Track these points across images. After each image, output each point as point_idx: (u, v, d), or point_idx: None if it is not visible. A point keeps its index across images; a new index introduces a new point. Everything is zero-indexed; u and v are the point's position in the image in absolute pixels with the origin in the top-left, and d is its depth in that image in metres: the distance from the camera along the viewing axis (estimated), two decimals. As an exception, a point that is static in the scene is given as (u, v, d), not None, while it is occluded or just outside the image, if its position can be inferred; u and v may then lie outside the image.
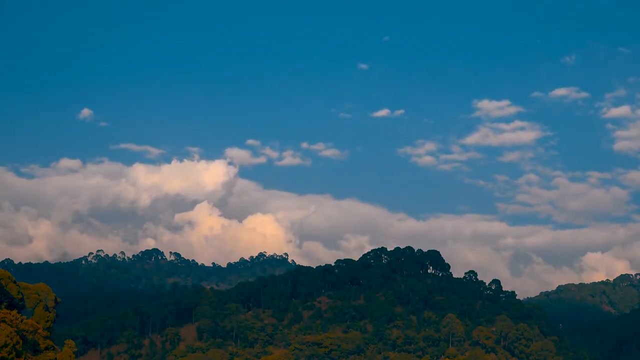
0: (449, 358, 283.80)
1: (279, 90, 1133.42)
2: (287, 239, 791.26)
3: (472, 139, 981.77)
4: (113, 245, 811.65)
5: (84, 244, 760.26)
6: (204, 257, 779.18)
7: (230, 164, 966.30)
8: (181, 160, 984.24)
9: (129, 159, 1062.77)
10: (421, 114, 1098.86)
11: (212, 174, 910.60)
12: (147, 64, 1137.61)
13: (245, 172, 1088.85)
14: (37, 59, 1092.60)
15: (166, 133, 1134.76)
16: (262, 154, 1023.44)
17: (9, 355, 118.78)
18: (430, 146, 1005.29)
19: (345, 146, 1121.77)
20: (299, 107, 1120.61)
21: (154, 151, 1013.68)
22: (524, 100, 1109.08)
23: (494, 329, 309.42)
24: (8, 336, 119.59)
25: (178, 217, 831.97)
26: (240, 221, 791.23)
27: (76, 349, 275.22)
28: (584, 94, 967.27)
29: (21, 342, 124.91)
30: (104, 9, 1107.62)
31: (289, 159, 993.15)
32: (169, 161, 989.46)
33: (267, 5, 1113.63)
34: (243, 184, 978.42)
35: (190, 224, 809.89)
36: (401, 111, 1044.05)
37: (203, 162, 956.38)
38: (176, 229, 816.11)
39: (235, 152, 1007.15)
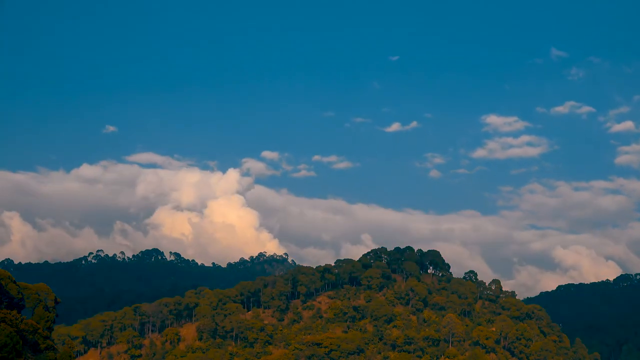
0: (449, 358, 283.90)
1: (295, 105, 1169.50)
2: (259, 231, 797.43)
3: (479, 153, 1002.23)
4: (83, 244, 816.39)
5: (57, 244, 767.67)
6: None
7: (245, 174, 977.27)
8: (202, 170, 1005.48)
9: (147, 168, 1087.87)
10: (431, 128, 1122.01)
11: (225, 182, 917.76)
12: (168, 80, 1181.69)
13: (259, 181, 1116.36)
14: (61, 75, 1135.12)
15: (186, 145, 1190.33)
16: (277, 166, 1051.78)
17: (9, 355, 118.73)
18: (439, 160, 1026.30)
19: (357, 159, 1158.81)
20: (313, 121, 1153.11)
21: (175, 163, 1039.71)
22: (530, 115, 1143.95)
23: (494, 329, 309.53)
24: (8, 336, 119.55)
25: (153, 219, 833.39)
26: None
27: (76, 349, 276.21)
28: (588, 109, 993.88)
29: (21, 342, 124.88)
30: (123, 28, 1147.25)
31: (304, 172, 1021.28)
32: (185, 171, 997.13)
33: (284, 24, 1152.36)
34: (259, 190, 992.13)
35: (154, 225, 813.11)
36: (412, 125, 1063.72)
37: (219, 172, 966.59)
38: (142, 229, 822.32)
39: (251, 163, 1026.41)
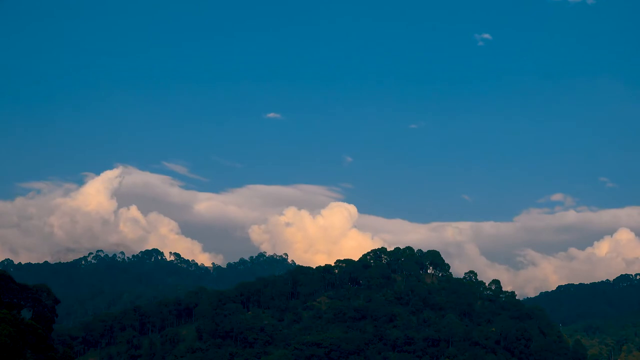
0: (449, 358, 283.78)
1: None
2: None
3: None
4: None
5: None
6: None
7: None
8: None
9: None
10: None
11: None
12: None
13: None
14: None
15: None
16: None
17: (9, 355, 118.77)
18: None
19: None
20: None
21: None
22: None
23: (494, 329, 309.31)
24: (8, 336, 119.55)
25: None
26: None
27: (76, 349, 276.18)
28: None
29: (21, 342, 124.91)
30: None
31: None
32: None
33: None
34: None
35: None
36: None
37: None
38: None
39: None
